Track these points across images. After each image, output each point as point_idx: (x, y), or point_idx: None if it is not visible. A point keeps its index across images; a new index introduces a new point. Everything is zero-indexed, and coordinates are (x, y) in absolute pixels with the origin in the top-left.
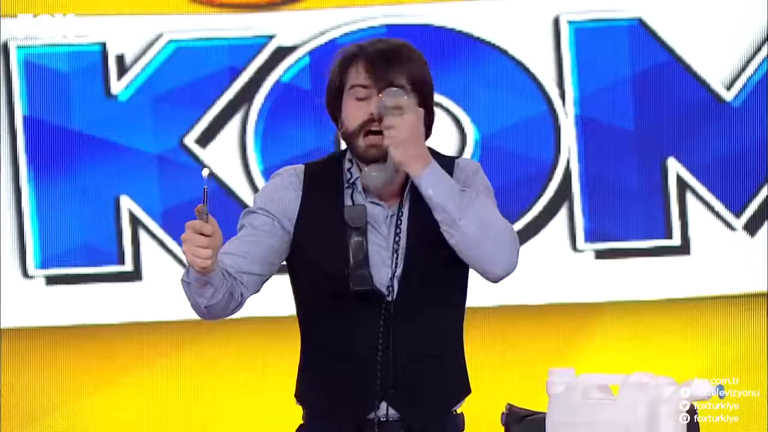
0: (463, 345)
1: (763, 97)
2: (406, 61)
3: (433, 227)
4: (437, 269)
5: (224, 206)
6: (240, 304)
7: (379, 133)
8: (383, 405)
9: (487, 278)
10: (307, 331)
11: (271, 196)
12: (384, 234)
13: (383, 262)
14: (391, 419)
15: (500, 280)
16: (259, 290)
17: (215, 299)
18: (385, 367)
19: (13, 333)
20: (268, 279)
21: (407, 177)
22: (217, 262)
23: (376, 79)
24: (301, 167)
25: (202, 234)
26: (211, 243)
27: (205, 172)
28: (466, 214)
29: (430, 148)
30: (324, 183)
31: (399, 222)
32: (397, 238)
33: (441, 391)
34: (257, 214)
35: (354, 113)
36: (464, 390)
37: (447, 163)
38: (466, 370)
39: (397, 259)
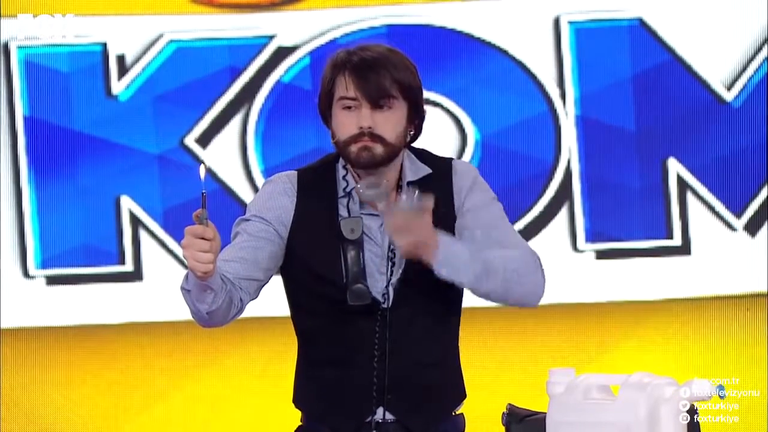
0: (458, 350)
1: (764, 98)
2: (392, 69)
3: None
4: (432, 275)
5: (224, 206)
6: (240, 310)
7: (371, 135)
8: (380, 410)
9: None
10: (303, 337)
11: (265, 203)
12: (379, 242)
13: (378, 270)
14: (388, 421)
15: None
16: (257, 296)
17: (216, 304)
18: (382, 373)
19: (14, 333)
20: (265, 284)
21: (400, 186)
22: (216, 267)
23: (362, 91)
24: (293, 173)
25: (203, 239)
26: (212, 247)
27: (202, 173)
28: (486, 278)
29: (425, 150)
30: (319, 190)
31: None
32: (392, 246)
33: (438, 396)
34: (252, 221)
35: (344, 123)
36: (460, 395)
37: (444, 166)
38: (461, 374)
39: (392, 267)
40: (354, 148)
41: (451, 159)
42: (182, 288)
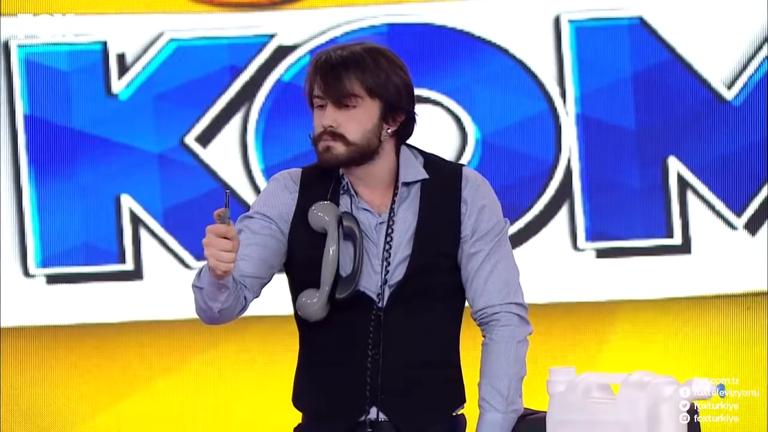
0: (458, 352)
1: (764, 96)
2: (358, 69)
3: None
4: (433, 277)
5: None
6: (244, 308)
7: (332, 134)
8: (374, 410)
9: None
10: (302, 334)
11: (267, 200)
12: (375, 240)
13: (374, 270)
14: (382, 421)
15: None
16: (259, 295)
17: (227, 303)
18: (375, 373)
19: (14, 332)
20: (268, 282)
21: (396, 185)
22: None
23: (325, 90)
24: (297, 171)
25: (225, 238)
26: (234, 247)
27: (226, 198)
28: (516, 401)
29: (435, 156)
30: (319, 187)
31: (389, 230)
32: (387, 246)
33: (433, 398)
34: (255, 218)
35: (315, 121)
36: (459, 397)
37: (452, 171)
38: (461, 378)
39: (387, 266)
40: (319, 147)
41: (462, 165)
42: (194, 286)
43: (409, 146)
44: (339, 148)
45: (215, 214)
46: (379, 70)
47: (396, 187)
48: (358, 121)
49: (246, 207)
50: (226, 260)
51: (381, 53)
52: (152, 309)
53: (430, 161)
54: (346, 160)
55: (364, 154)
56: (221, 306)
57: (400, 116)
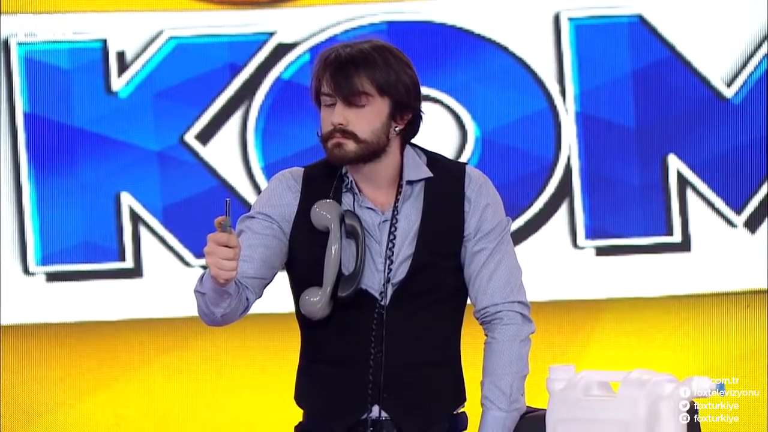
0: (459, 351)
1: (764, 94)
2: (367, 67)
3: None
4: (435, 276)
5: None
6: (246, 309)
7: (342, 132)
8: (376, 408)
9: None
10: (304, 333)
11: (269, 200)
12: (377, 239)
13: (376, 268)
14: (384, 420)
15: None
16: (261, 295)
17: (230, 307)
18: (377, 371)
19: (14, 330)
20: (270, 283)
21: (400, 183)
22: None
23: (335, 88)
24: (299, 170)
25: (227, 246)
26: (235, 255)
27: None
28: (519, 400)
29: (439, 155)
30: (322, 186)
31: (393, 228)
32: (390, 245)
33: (435, 397)
34: (257, 218)
35: (324, 120)
36: (460, 396)
37: (455, 169)
38: (462, 378)
39: (390, 264)
40: (329, 144)
41: (465, 164)
42: (196, 291)
43: (413, 145)
44: (350, 145)
45: (216, 222)
46: (388, 69)
47: (400, 186)
48: (367, 119)
49: (246, 205)
50: (227, 268)
51: (389, 51)
52: (152, 307)
53: (434, 160)
54: (356, 158)
55: (373, 152)
56: (224, 311)
57: (407, 114)
